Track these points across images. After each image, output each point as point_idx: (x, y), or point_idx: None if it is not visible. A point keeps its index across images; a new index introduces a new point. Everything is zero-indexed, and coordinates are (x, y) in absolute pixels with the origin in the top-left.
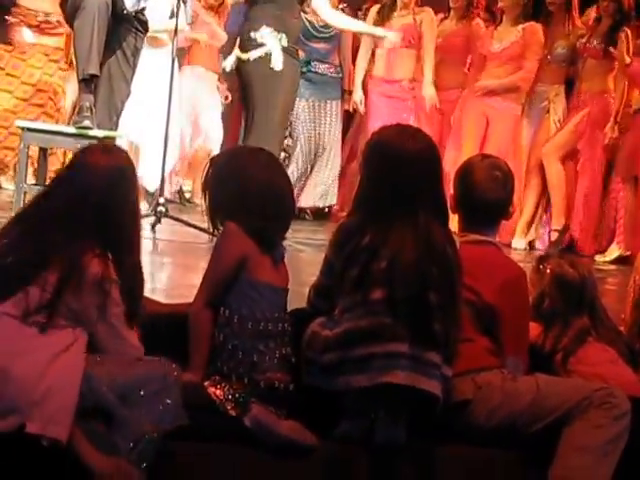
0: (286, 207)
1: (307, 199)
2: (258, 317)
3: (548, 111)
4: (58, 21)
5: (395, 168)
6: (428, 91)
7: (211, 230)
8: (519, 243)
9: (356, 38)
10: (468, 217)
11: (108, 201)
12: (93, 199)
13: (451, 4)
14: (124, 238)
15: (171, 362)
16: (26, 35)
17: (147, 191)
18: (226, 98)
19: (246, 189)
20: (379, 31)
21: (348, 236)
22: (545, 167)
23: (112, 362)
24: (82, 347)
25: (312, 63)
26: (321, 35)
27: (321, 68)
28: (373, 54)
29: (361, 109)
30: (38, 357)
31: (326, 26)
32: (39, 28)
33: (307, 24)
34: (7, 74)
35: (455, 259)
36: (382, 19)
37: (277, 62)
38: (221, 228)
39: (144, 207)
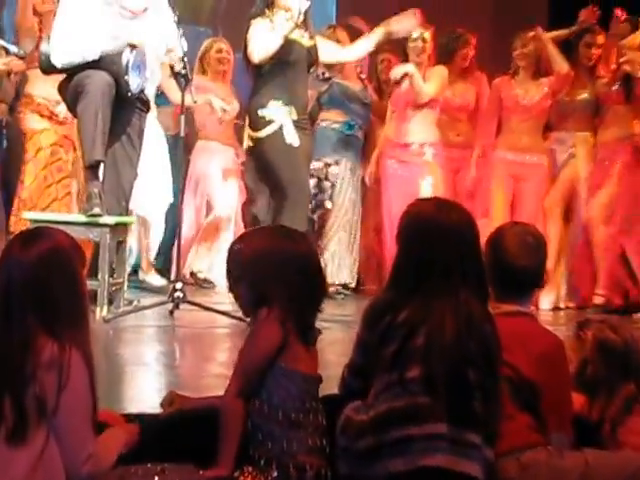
0: (321, 286)
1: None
2: (289, 407)
3: (573, 156)
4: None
5: (432, 243)
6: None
7: (246, 318)
8: (544, 302)
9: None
10: (500, 287)
11: (36, 292)
12: (21, 293)
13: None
14: (70, 325)
15: (197, 469)
16: (35, 123)
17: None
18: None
19: (283, 271)
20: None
21: (382, 312)
22: (590, 232)
23: (135, 475)
24: (56, 448)
25: (355, 126)
26: (361, 99)
27: (359, 133)
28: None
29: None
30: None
31: (363, 89)
32: (50, 118)
33: (345, 87)
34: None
35: (494, 336)
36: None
37: (292, 138)
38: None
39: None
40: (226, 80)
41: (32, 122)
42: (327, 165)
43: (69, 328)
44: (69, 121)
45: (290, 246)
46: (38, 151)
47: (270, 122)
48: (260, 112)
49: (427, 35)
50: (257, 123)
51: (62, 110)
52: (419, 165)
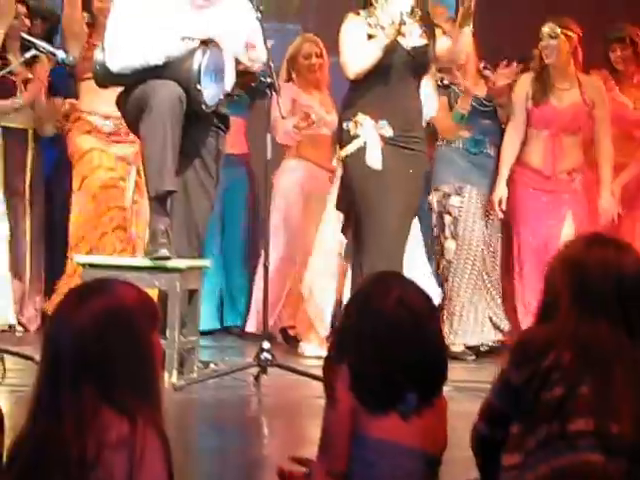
0: (420, 353)
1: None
2: None
3: None
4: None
5: (586, 282)
6: (604, 204)
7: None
8: None
9: None
10: None
11: (92, 360)
12: (73, 362)
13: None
14: (139, 399)
15: None
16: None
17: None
18: None
19: (361, 327)
20: None
21: (538, 348)
22: None
23: None
24: None
25: (483, 142)
26: (486, 109)
27: (491, 150)
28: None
29: (501, 208)
30: None
31: (489, 98)
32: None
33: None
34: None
35: None
36: (542, 93)
37: (373, 158)
38: None
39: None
40: (321, 88)
41: (79, 140)
42: (446, 195)
43: (138, 402)
44: (123, 138)
45: (375, 299)
46: (86, 177)
47: (354, 137)
48: (345, 125)
49: (557, 30)
50: (342, 139)
51: (108, 124)
52: (563, 194)
